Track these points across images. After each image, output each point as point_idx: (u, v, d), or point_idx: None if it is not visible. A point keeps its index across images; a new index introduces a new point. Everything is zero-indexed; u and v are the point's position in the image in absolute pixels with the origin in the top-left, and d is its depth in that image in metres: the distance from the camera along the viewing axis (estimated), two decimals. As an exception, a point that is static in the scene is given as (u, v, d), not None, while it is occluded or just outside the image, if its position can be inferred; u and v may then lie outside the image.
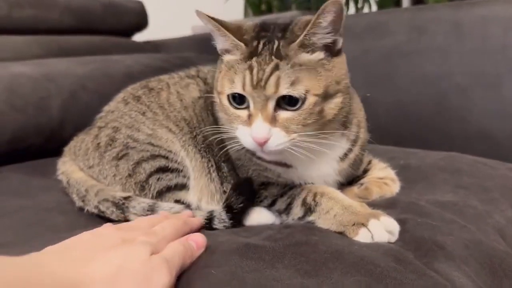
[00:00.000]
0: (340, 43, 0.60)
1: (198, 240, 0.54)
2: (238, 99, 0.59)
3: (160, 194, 0.70)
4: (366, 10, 2.04)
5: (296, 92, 0.55)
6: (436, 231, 0.59)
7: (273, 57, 0.57)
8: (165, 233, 0.54)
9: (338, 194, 0.63)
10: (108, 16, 1.66)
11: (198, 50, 1.78)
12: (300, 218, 0.63)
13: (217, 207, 0.68)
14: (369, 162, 0.78)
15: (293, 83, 0.55)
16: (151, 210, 0.66)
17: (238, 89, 0.58)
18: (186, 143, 0.74)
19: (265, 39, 0.59)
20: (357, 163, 0.73)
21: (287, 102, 0.56)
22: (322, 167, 0.67)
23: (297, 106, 0.56)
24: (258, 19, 0.65)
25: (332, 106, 0.59)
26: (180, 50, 1.83)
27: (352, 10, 2.06)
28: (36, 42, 1.45)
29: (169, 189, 0.70)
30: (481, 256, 0.57)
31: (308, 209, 0.62)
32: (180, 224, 0.58)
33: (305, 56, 0.57)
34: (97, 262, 0.44)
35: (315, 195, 0.63)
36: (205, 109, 0.77)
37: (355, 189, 0.73)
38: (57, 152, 0.88)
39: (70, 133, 0.93)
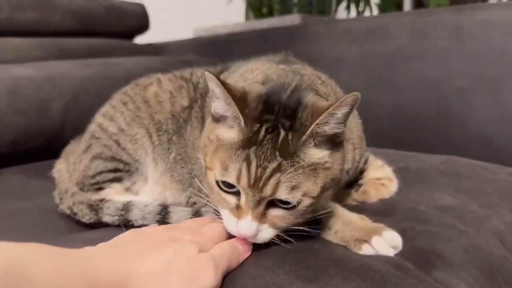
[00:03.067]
0: (344, 133, 0.54)
1: (245, 244, 0.54)
2: (228, 184, 0.52)
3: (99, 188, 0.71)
4: (367, 13, 2.04)
5: (294, 198, 0.50)
6: (435, 239, 0.59)
7: (277, 154, 0.50)
8: (212, 234, 0.53)
9: (337, 209, 0.61)
10: (110, 19, 1.67)
11: (199, 53, 1.79)
12: None
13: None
14: (365, 162, 0.77)
15: (292, 188, 0.50)
16: (126, 209, 0.66)
17: (232, 180, 0.51)
18: (158, 157, 0.74)
19: (268, 124, 0.51)
20: (354, 173, 0.72)
21: (280, 201, 0.51)
22: None
23: (290, 206, 0.52)
24: (262, 89, 0.55)
25: (325, 199, 0.55)
26: (182, 52, 1.84)
27: (353, 13, 2.06)
28: (38, 44, 1.45)
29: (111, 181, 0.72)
30: (480, 261, 0.57)
31: None
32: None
33: (312, 153, 0.51)
34: (147, 258, 0.45)
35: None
36: (187, 121, 0.75)
37: (353, 192, 0.73)
38: (58, 154, 0.90)
39: (71, 135, 0.94)
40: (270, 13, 2.07)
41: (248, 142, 0.50)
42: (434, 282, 0.51)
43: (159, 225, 0.63)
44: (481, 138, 1.12)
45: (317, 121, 0.50)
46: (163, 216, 0.64)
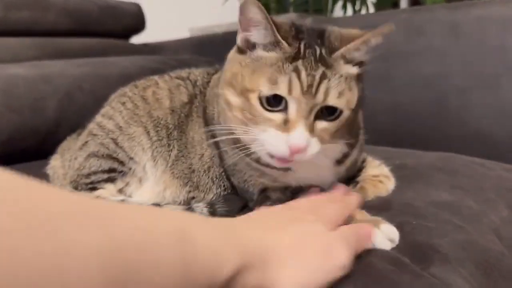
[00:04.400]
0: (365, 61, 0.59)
1: (368, 231, 0.52)
2: (273, 101, 0.54)
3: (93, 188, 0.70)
4: (363, 12, 2.04)
5: (341, 104, 0.54)
6: (432, 234, 0.58)
7: (319, 64, 0.54)
8: (332, 214, 0.52)
9: None
10: (105, 18, 1.66)
11: (195, 52, 1.78)
12: None
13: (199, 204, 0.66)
14: (363, 161, 0.77)
15: (339, 95, 0.54)
16: None
17: (282, 92, 0.53)
18: (158, 155, 0.73)
19: (304, 41, 0.55)
20: (353, 166, 0.72)
21: (326, 113, 0.55)
22: (320, 170, 0.66)
23: (333, 117, 0.55)
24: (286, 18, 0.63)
25: (356, 120, 0.60)
26: (178, 52, 1.83)
27: (349, 12, 2.06)
28: (33, 44, 1.45)
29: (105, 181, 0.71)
30: (477, 257, 0.56)
31: None
32: (342, 207, 0.55)
33: (347, 68, 0.55)
34: (282, 231, 0.45)
35: None
36: (188, 116, 0.75)
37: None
38: (53, 153, 0.89)
39: (66, 134, 0.93)
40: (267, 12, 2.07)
41: (293, 57, 0.54)
42: (431, 278, 0.50)
43: None
44: (478, 134, 1.12)
45: (350, 45, 0.54)
46: None
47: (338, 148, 0.63)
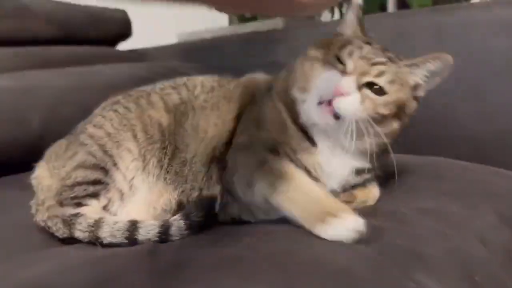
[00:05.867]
0: (422, 93, 0.70)
1: None
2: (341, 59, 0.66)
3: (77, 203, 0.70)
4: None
5: (388, 88, 0.64)
6: (416, 240, 0.58)
7: (384, 54, 0.66)
8: None
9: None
10: (91, 26, 1.65)
11: (183, 58, 1.77)
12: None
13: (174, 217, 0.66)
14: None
15: (390, 81, 0.64)
16: (96, 226, 0.64)
17: (344, 54, 0.65)
18: (149, 155, 0.73)
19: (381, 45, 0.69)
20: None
21: (374, 90, 0.64)
22: (339, 168, 0.69)
23: (378, 96, 0.64)
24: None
25: (392, 126, 0.67)
26: (166, 58, 1.82)
27: (337, 15, 2.06)
28: (17, 53, 1.43)
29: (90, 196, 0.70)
30: (461, 264, 0.56)
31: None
32: None
33: (405, 71, 0.67)
34: None
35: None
36: (185, 113, 0.76)
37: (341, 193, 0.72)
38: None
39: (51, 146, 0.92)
40: (254, 17, 2.07)
41: (365, 42, 0.67)
42: (414, 286, 0.50)
43: (127, 242, 0.62)
44: (464, 137, 1.12)
45: (417, 60, 0.68)
46: (131, 232, 0.63)
47: (365, 148, 0.67)
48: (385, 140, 0.65)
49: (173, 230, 0.63)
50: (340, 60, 0.65)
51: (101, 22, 1.71)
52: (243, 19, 2.08)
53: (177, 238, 0.62)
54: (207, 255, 0.54)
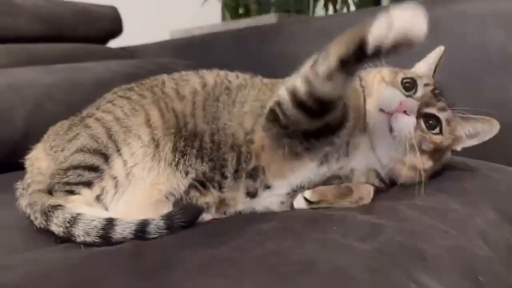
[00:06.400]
0: (459, 148, 0.75)
1: None
2: (408, 86, 0.71)
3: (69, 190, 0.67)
4: (345, 11, 2.03)
5: (443, 127, 0.69)
6: (416, 238, 0.56)
7: (442, 100, 0.72)
8: None
9: None
10: (80, 23, 1.62)
11: (175, 55, 1.75)
12: None
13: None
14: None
15: (446, 120, 0.70)
16: (72, 222, 0.61)
17: (420, 82, 0.71)
18: (162, 140, 0.71)
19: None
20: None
21: (429, 124, 0.69)
22: (363, 177, 0.71)
23: (431, 132, 0.69)
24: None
25: (427, 164, 0.70)
26: (157, 55, 1.80)
27: (331, 11, 2.04)
28: (4, 51, 1.40)
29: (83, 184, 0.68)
30: (463, 263, 0.54)
31: None
32: None
33: (455, 122, 0.73)
34: None
35: None
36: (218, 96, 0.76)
37: (338, 185, 0.71)
38: (21, 166, 0.83)
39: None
40: (247, 14, 2.04)
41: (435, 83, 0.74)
42: (413, 287, 0.48)
43: (101, 241, 0.59)
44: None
45: (467, 116, 0.73)
46: (106, 231, 0.59)
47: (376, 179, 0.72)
48: (413, 175, 0.68)
49: (151, 227, 0.59)
50: (410, 86, 0.70)
51: (91, 19, 1.68)
52: (236, 15, 2.05)
53: (154, 236, 0.59)
54: (193, 255, 0.51)
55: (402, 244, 0.54)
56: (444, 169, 0.77)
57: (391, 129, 0.67)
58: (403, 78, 0.71)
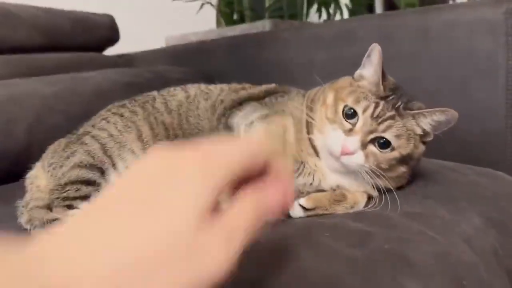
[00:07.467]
0: (429, 139, 0.74)
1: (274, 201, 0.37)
2: (350, 114, 0.70)
3: (68, 205, 0.70)
4: (338, 17, 2.05)
5: (394, 142, 0.68)
6: (403, 245, 0.58)
7: (394, 110, 0.70)
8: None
9: None
10: (77, 32, 1.63)
11: (171, 62, 1.76)
12: None
13: None
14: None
15: (396, 136, 0.68)
16: None
17: (359, 110, 0.69)
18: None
19: (395, 95, 0.71)
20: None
21: (380, 144, 0.69)
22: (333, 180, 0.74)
23: (383, 151, 0.68)
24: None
25: (399, 170, 0.71)
26: (154, 62, 1.82)
27: (324, 16, 2.07)
28: (3, 61, 1.41)
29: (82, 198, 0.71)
30: (449, 269, 0.56)
31: None
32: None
33: (412, 124, 0.71)
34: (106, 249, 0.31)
35: None
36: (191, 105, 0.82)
37: (331, 191, 0.74)
38: (23, 177, 0.85)
39: (38, 156, 0.90)
40: (242, 20, 2.06)
41: (380, 97, 0.70)
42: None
43: None
44: (450, 136, 1.12)
45: (422, 111, 0.70)
46: None
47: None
48: (392, 184, 0.71)
49: None
50: (349, 113, 0.70)
51: (88, 28, 1.69)
52: (231, 22, 2.07)
53: None
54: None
55: (391, 250, 0.56)
56: (433, 173, 0.79)
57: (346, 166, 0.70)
58: (344, 107, 0.71)
